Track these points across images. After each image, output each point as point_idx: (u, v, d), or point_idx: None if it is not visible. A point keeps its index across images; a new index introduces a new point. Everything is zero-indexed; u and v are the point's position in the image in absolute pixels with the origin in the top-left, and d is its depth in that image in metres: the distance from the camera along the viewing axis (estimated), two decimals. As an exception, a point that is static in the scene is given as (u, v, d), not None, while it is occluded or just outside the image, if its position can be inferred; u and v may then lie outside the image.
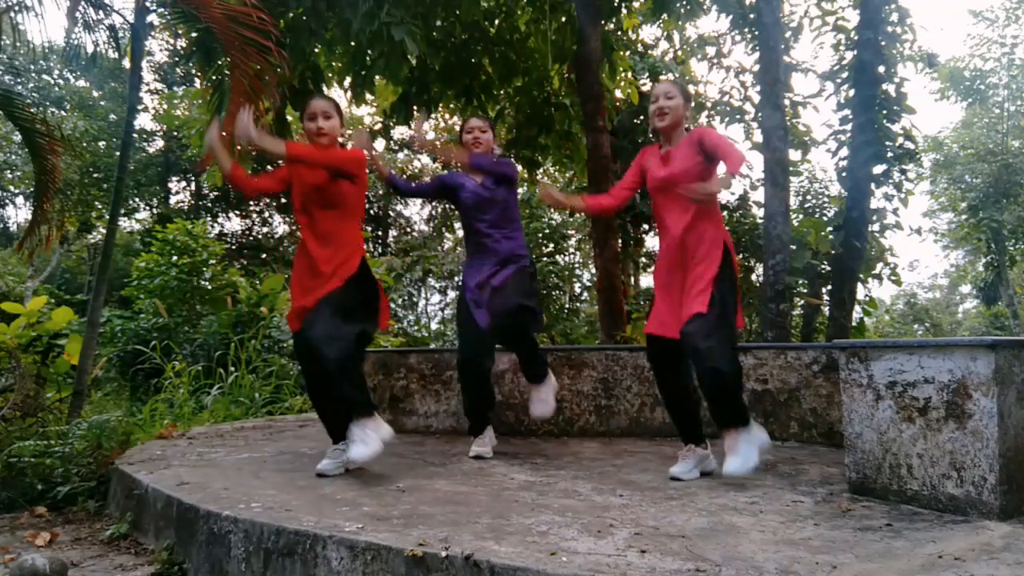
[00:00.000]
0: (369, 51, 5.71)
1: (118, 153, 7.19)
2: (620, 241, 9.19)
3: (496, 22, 7.07)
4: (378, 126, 8.19)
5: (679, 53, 10.47)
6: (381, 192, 16.74)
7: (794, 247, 6.08)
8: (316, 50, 6.34)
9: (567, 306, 15.73)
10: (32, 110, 5.55)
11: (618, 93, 8.71)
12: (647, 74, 10.00)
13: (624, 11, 7.59)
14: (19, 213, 22.35)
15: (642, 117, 9.84)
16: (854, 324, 6.82)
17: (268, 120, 5.88)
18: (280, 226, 19.92)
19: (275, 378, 7.00)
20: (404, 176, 16.94)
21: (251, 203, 19.17)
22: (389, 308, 3.56)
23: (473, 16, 6.37)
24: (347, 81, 6.72)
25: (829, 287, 6.86)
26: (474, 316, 3.57)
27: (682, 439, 3.12)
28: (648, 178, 3.19)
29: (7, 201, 21.51)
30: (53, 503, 3.59)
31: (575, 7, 6.66)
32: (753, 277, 8.69)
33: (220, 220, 19.41)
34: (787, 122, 6.15)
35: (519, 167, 7.16)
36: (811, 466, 3.26)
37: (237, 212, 19.45)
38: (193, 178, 18.94)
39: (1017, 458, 2.29)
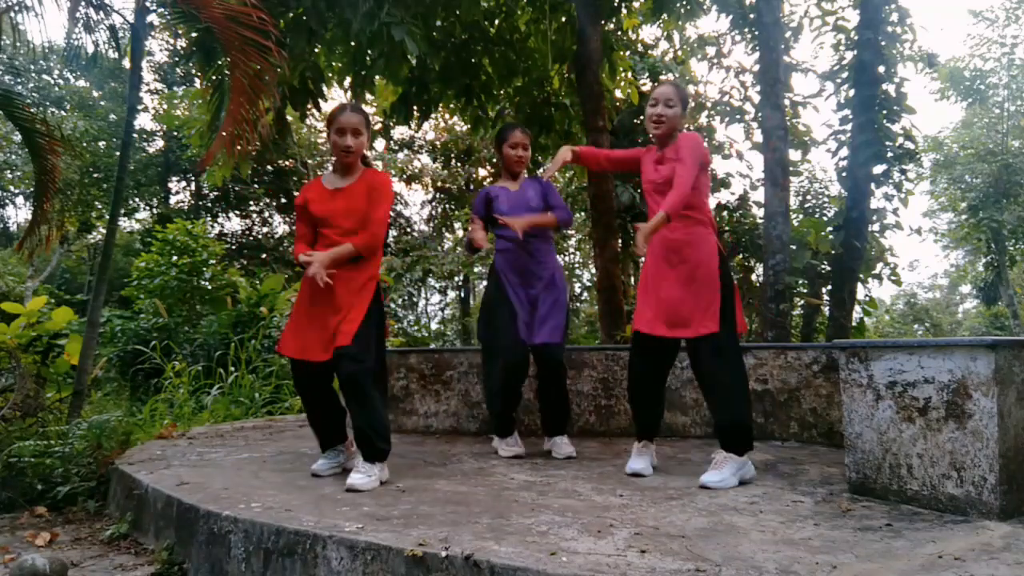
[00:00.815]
0: (369, 51, 5.71)
1: (118, 153, 7.19)
2: (620, 241, 9.18)
3: (496, 22, 7.06)
4: (378, 126, 8.19)
5: (679, 53, 10.46)
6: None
7: (794, 247, 6.07)
8: (316, 50, 6.33)
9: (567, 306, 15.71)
10: (32, 110, 5.55)
11: (618, 93, 8.70)
12: (647, 74, 10.00)
13: (624, 11, 7.58)
14: (19, 213, 22.38)
15: (642, 117, 9.84)
16: (854, 324, 6.81)
17: (268, 120, 5.88)
18: (280, 226, 19.93)
19: (275, 378, 7.00)
20: (404, 176, 16.96)
21: (251, 203, 19.18)
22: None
23: (473, 16, 6.36)
24: (347, 81, 6.72)
25: (829, 287, 6.85)
26: (518, 325, 3.53)
27: (647, 436, 3.17)
28: (643, 180, 3.19)
29: (7, 201, 21.53)
30: (53, 503, 3.59)
31: (575, 7, 6.66)
32: (753, 277, 8.68)
33: (220, 220, 19.41)
34: (787, 122, 6.15)
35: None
36: (811, 466, 3.26)
37: (237, 212, 19.46)
38: (193, 178, 18.94)
39: (1017, 458, 2.29)
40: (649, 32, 10.85)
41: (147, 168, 18.46)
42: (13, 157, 17.45)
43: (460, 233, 17.70)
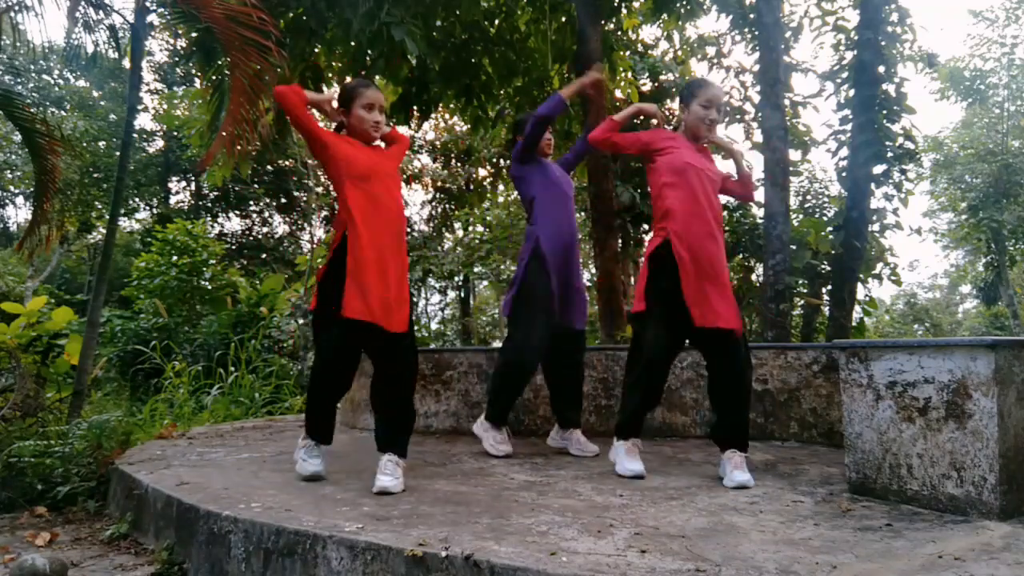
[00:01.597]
0: (369, 51, 5.71)
1: (118, 153, 7.19)
2: (620, 241, 9.19)
3: (496, 22, 7.07)
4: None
5: (679, 53, 10.46)
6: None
7: (794, 247, 6.07)
8: (316, 50, 6.34)
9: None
10: (32, 110, 5.55)
11: (618, 93, 8.71)
12: (647, 74, 10.00)
13: (624, 11, 7.59)
14: (19, 213, 22.40)
15: (642, 117, 9.83)
16: (854, 324, 6.81)
17: (268, 120, 5.88)
18: (280, 226, 19.94)
19: (275, 378, 7.01)
20: (404, 176, 16.95)
21: (251, 203, 19.18)
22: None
23: (473, 16, 6.37)
24: (347, 81, 6.73)
25: (829, 287, 6.85)
26: (555, 310, 3.53)
27: (636, 435, 3.15)
28: (677, 158, 3.11)
29: (7, 201, 21.53)
30: (53, 503, 3.59)
31: (575, 7, 6.66)
32: (753, 277, 8.68)
33: (220, 220, 19.43)
34: (787, 122, 6.15)
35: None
36: (811, 466, 3.26)
37: (237, 212, 19.47)
38: (193, 178, 18.95)
39: (1017, 458, 2.29)
40: (649, 32, 10.86)
41: (147, 168, 18.47)
42: (13, 157, 17.46)
43: (460, 233, 17.69)
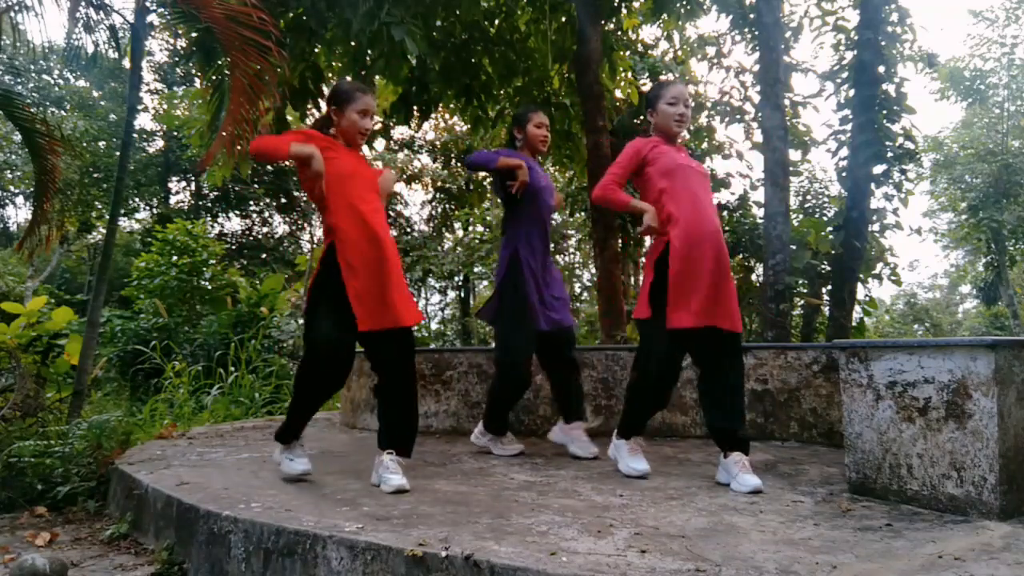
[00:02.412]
0: (369, 51, 5.70)
1: (118, 153, 7.19)
2: (620, 241, 9.18)
3: (496, 22, 7.06)
4: (378, 126, 8.19)
5: (679, 53, 10.46)
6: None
7: (794, 247, 6.07)
8: (316, 50, 6.34)
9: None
10: (32, 110, 5.55)
11: (618, 93, 8.71)
12: (647, 74, 9.99)
13: (624, 11, 7.58)
14: (19, 213, 22.39)
15: (642, 117, 9.84)
16: (854, 324, 6.81)
17: (268, 120, 5.88)
18: (280, 226, 19.93)
19: (275, 378, 7.01)
20: (404, 175, 16.95)
21: (251, 203, 19.18)
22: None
23: (473, 16, 6.36)
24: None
25: (829, 287, 6.85)
26: (539, 316, 3.51)
27: (638, 434, 3.16)
28: (666, 161, 3.11)
29: (7, 201, 21.53)
30: (53, 503, 3.59)
31: (575, 7, 6.66)
32: (753, 277, 8.68)
33: (220, 220, 19.43)
34: (787, 122, 6.15)
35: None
36: (811, 466, 3.26)
37: (237, 212, 19.47)
38: (193, 178, 18.95)
39: (1017, 458, 2.29)
40: (649, 32, 10.86)
41: (147, 168, 18.47)
42: (13, 157, 17.45)
43: (460, 233, 17.69)
